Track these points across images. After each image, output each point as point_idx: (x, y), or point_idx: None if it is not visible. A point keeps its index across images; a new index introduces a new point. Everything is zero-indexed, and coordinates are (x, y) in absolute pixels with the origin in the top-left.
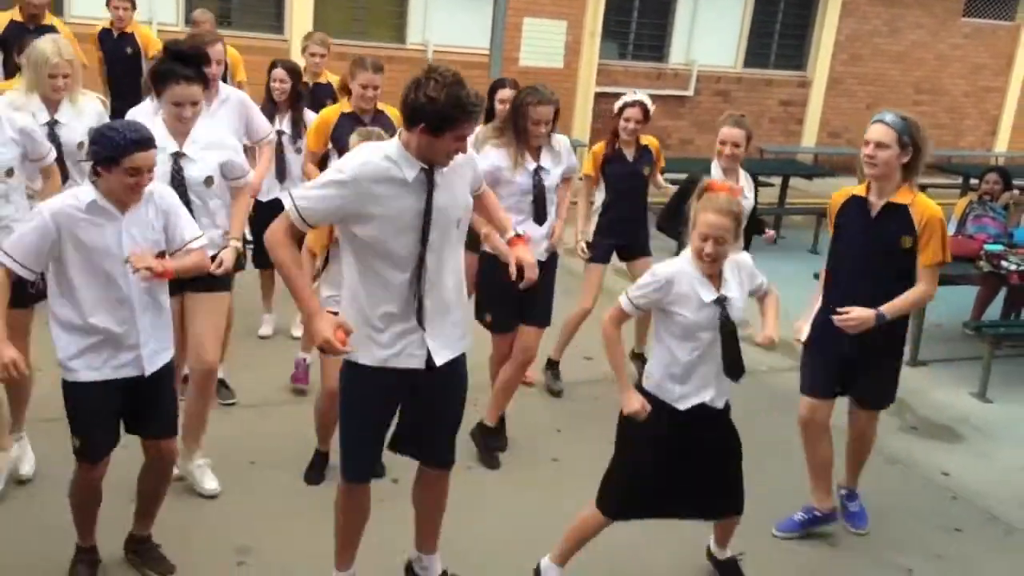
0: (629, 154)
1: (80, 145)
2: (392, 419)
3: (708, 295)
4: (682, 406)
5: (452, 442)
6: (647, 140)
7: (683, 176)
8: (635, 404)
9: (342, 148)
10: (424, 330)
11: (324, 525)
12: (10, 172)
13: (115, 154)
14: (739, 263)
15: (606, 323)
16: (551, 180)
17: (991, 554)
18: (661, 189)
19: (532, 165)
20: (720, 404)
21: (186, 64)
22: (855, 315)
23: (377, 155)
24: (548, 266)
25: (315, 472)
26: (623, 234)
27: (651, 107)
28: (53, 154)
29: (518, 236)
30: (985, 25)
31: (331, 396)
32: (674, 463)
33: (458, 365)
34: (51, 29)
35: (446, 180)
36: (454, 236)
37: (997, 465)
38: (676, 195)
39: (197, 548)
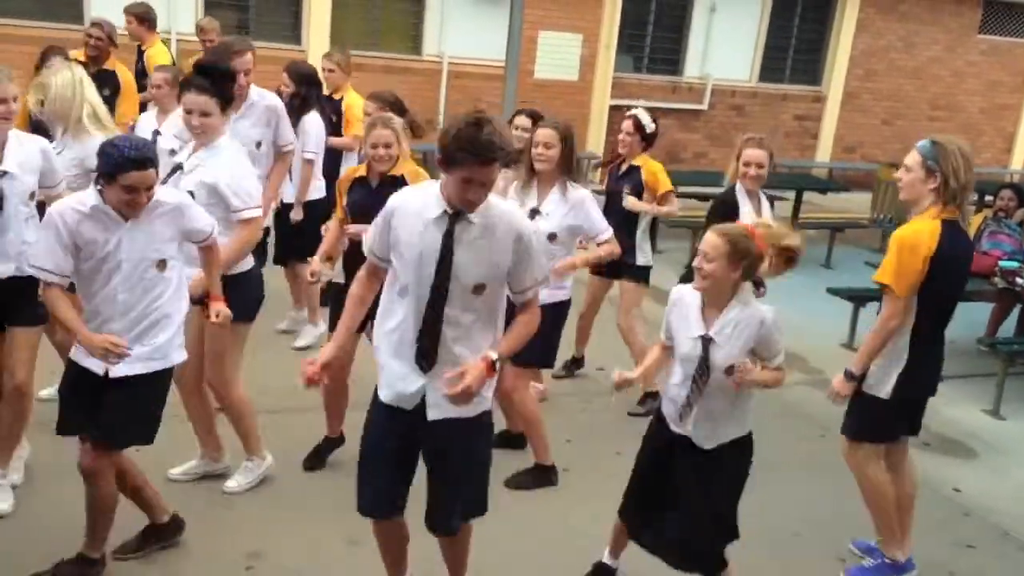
0: (621, 170)
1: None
2: (396, 458)
3: (695, 330)
4: (671, 427)
5: (450, 509)
6: (642, 161)
7: (698, 188)
8: (630, 375)
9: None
10: (425, 378)
11: (333, 529)
12: (32, 195)
13: (112, 171)
14: (750, 316)
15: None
16: (546, 225)
17: (1004, 571)
18: (642, 213)
19: (530, 204)
20: (707, 445)
21: (204, 76)
22: (833, 388)
23: (420, 190)
24: (556, 309)
25: (316, 458)
26: None
27: (646, 121)
28: (63, 186)
29: (491, 364)
30: (1002, 42)
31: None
32: (658, 477)
33: (462, 427)
34: (111, 75)
35: (474, 239)
36: (473, 301)
37: (1010, 482)
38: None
39: (206, 553)
